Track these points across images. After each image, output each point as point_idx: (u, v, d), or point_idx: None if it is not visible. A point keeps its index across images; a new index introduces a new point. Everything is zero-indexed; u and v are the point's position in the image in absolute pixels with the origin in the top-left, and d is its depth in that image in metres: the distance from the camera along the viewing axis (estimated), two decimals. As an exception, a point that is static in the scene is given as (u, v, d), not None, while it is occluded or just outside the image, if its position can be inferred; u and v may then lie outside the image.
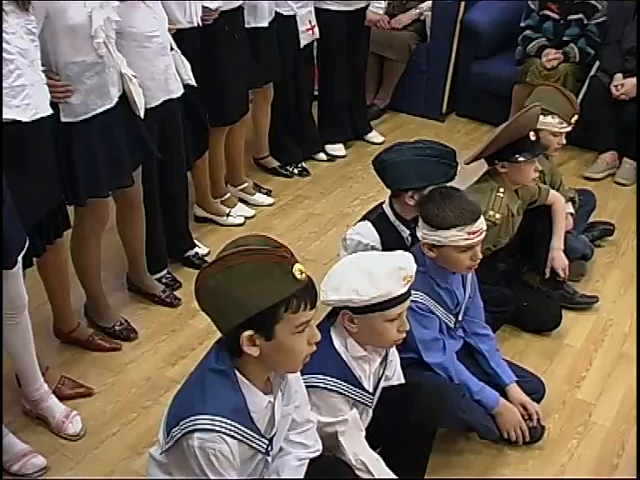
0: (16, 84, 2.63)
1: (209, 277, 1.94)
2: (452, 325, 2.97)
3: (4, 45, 2.56)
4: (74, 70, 2.95)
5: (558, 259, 3.65)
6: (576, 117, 3.84)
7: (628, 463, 2.93)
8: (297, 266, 1.92)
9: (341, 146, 5.38)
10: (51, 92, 2.83)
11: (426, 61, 5.81)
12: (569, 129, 3.83)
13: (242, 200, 4.64)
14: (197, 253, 4.09)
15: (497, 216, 3.36)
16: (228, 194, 4.54)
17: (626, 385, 3.33)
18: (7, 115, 2.62)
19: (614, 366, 3.46)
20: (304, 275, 1.94)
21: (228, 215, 4.45)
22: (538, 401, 3.05)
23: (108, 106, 3.08)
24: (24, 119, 2.67)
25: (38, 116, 2.73)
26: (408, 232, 3.12)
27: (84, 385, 3.21)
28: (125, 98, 3.17)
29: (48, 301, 3.32)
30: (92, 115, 3.04)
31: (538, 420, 2.98)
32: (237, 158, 4.61)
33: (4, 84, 2.60)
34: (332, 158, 5.32)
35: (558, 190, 3.86)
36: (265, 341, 1.94)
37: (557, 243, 3.67)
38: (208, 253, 4.10)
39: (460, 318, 3.00)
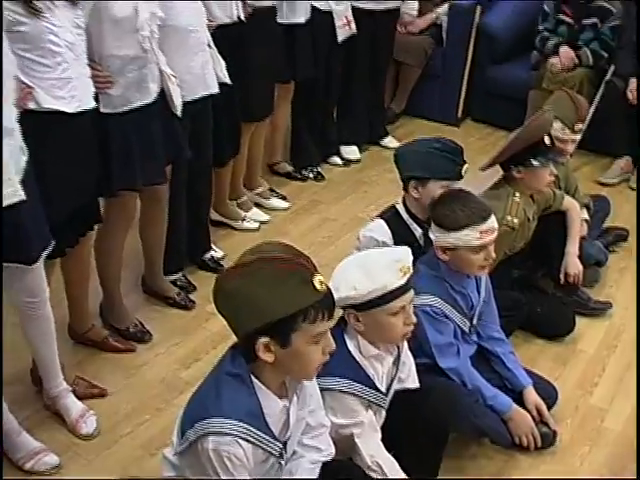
0: (63, 76, 2.69)
1: (229, 281, 1.95)
2: (467, 329, 2.97)
3: (53, 38, 2.63)
4: (116, 63, 3.00)
5: (572, 265, 3.64)
6: (581, 126, 3.84)
7: (640, 469, 2.93)
8: (318, 277, 1.94)
9: (355, 149, 5.39)
10: (93, 82, 2.89)
11: (442, 66, 5.83)
12: (575, 137, 3.83)
13: (257, 204, 4.66)
14: (212, 256, 4.10)
15: (515, 221, 3.37)
16: (244, 197, 4.55)
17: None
18: (52, 105, 2.69)
19: (627, 372, 3.46)
20: (324, 286, 1.95)
21: (243, 219, 4.46)
22: (551, 406, 3.05)
23: (146, 101, 3.12)
24: (68, 110, 2.74)
25: (81, 108, 2.79)
26: (421, 231, 3.12)
27: (98, 386, 3.22)
28: (163, 95, 3.21)
29: (63, 301, 3.32)
30: (130, 108, 3.08)
31: (549, 426, 2.99)
32: (255, 161, 4.62)
33: (51, 75, 2.66)
34: (347, 163, 5.33)
35: (573, 196, 3.86)
36: (281, 348, 1.95)
37: (572, 249, 3.66)
38: (223, 257, 4.12)
39: (475, 322, 3.00)
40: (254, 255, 1.96)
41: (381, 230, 3.14)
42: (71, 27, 2.71)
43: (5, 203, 2.40)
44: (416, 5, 5.28)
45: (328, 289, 1.98)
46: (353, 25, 4.85)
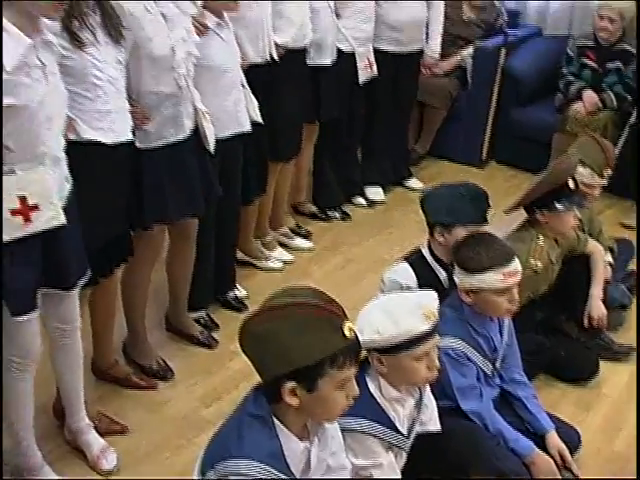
0: (103, 109, 2.78)
1: (258, 323, 1.95)
2: (489, 372, 2.96)
3: (96, 72, 2.72)
4: (153, 99, 3.07)
5: (596, 308, 3.63)
6: (610, 171, 3.84)
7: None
8: (347, 324, 1.94)
9: (380, 190, 5.41)
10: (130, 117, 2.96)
11: (466, 108, 5.85)
12: (603, 182, 3.83)
13: (282, 244, 4.68)
14: (236, 295, 4.12)
15: (539, 265, 3.37)
16: (269, 236, 4.57)
17: (664, 437, 3.29)
18: (91, 136, 2.77)
19: (651, 417, 3.42)
20: (353, 333, 1.95)
21: (267, 259, 4.48)
22: (573, 451, 3.02)
23: (181, 137, 3.18)
24: (107, 141, 2.81)
25: (119, 140, 2.86)
26: (445, 274, 3.12)
27: (119, 422, 3.23)
28: (197, 132, 3.27)
29: (87, 336, 3.33)
30: (165, 144, 3.14)
31: (572, 471, 2.96)
32: (280, 201, 4.65)
33: (92, 107, 2.75)
34: (371, 203, 5.34)
35: (597, 239, 3.85)
36: (306, 393, 1.95)
37: (596, 292, 3.65)
38: (247, 296, 4.13)
39: (497, 365, 2.99)
40: (284, 299, 1.96)
41: (405, 274, 3.14)
42: (113, 62, 2.81)
43: (47, 226, 2.47)
44: (438, 47, 5.28)
45: (356, 335, 1.98)
46: (374, 67, 4.89)
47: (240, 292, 4.16)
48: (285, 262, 4.54)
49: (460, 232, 3.02)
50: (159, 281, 3.74)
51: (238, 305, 4.07)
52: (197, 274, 3.76)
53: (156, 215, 3.22)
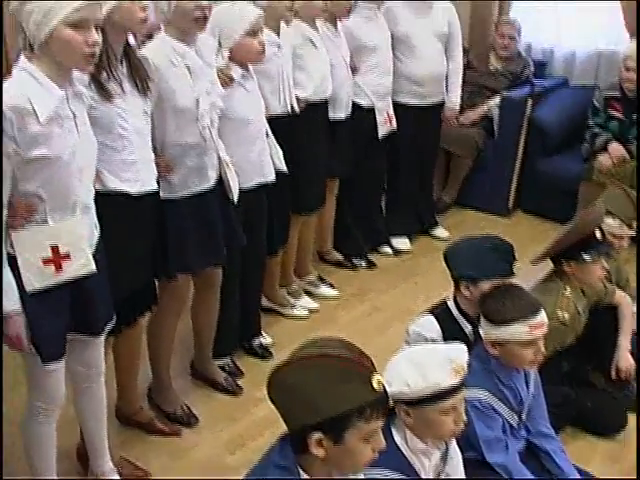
0: (129, 159, 2.82)
1: (286, 373, 1.95)
2: (515, 424, 2.94)
3: (122, 122, 2.76)
4: (177, 150, 3.11)
5: (624, 359, 3.60)
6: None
7: None
8: (377, 377, 1.94)
9: (406, 240, 5.41)
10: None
11: (493, 157, 5.86)
12: (631, 233, 3.81)
13: (307, 292, 4.69)
14: (261, 343, 4.12)
15: (566, 316, 3.35)
16: (295, 284, 4.59)
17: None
18: (117, 186, 2.81)
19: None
20: (381, 386, 1.95)
21: (293, 307, 4.49)
22: (601, 505, 2.99)
23: (205, 187, 3.21)
24: (132, 191, 2.84)
25: (144, 190, 2.90)
26: (471, 327, 3.11)
27: (142, 468, 3.23)
28: (221, 182, 3.29)
29: (111, 381, 3.35)
30: (189, 194, 3.17)
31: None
32: (306, 249, 4.67)
33: (117, 158, 2.79)
34: (397, 252, 5.35)
35: (624, 289, 3.82)
36: (333, 445, 1.93)
37: (623, 343, 3.62)
38: (272, 343, 4.14)
39: (523, 417, 2.97)
40: (314, 350, 1.96)
41: (430, 327, 3.13)
42: (139, 113, 2.85)
43: (78, 274, 2.52)
44: (458, 99, 5.29)
45: (384, 389, 1.98)
46: (394, 121, 4.92)
47: (265, 339, 4.16)
48: (311, 310, 4.54)
49: (486, 285, 3.01)
50: (184, 328, 3.75)
51: (263, 352, 4.08)
52: (222, 322, 3.77)
53: (179, 265, 3.24)
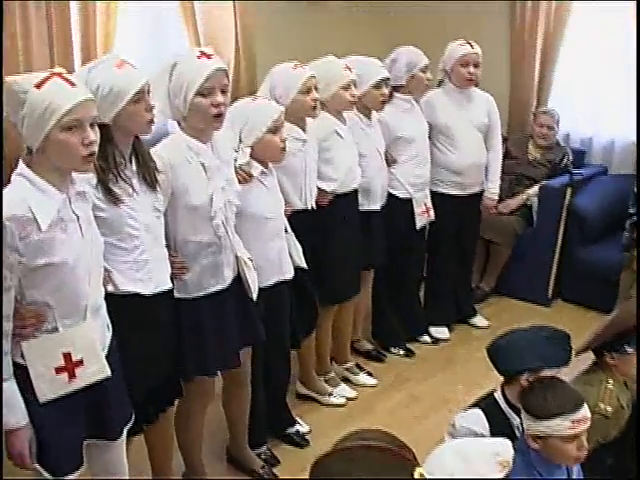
0: (140, 259, 2.78)
1: (329, 464, 1.93)
2: (556, 520, 2.87)
3: (131, 222, 2.73)
4: (191, 248, 3.08)
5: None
6: None
7: None
8: (418, 469, 1.92)
9: (445, 329, 5.37)
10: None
11: (532, 246, 5.84)
12: None
13: (345, 379, 4.65)
14: (298, 431, 4.09)
15: (609, 409, 3.28)
16: (332, 372, 4.56)
17: None
18: (129, 288, 2.76)
19: None
20: (423, 478, 1.93)
21: (330, 394, 4.45)
22: None
23: (221, 286, 3.18)
24: (145, 292, 2.80)
25: (158, 289, 2.86)
26: (518, 420, 3.05)
27: None
28: (239, 280, 3.26)
29: (145, 470, 3.34)
30: (204, 294, 3.14)
31: None
32: (345, 336, 4.66)
33: (128, 258, 2.75)
34: (436, 341, 5.30)
35: (669, 382, 3.75)
36: None
37: (669, 438, 3.54)
38: (309, 432, 4.10)
39: (565, 512, 2.90)
40: (355, 442, 1.95)
41: (478, 421, 3.07)
42: (149, 210, 2.82)
43: (91, 380, 2.46)
44: (497, 189, 5.30)
45: None
46: (432, 212, 4.93)
47: (302, 427, 4.13)
48: (348, 398, 4.50)
49: (548, 374, 2.96)
50: (222, 412, 3.74)
51: (300, 440, 4.04)
52: (250, 414, 3.76)
53: (198, 368, 3.21)
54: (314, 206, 3.91)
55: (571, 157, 6.00)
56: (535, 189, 5.85)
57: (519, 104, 6.32)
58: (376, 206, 4.51)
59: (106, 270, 2.68)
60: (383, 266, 4.75)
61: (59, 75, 2.35)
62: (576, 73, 6.24)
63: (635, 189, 5.42)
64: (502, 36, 6.41)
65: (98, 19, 4.64)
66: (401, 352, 5.09)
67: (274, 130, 3.40)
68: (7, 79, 2.33)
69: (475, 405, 3.17)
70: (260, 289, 3.40)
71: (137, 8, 4.98)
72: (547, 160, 5.97)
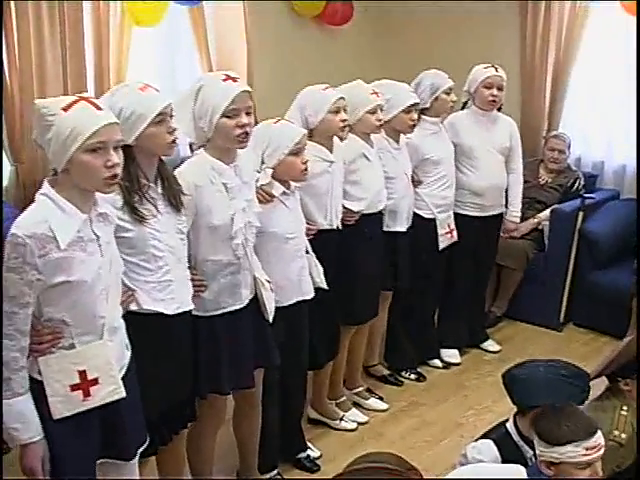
0: (163, 279, 2.81)
1: None
2: None
3: (156, 243, 2.77)
4: (210, 267, 3.11)
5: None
6: None
7: None
8: None
9: (456, 352, 5.34)
10: None
11: (544, 270, 5.82)
12: None
13: (356, 404, 4.63)
14: (309, 456, 4.06)
15: (623, 436, 3.26)
16: (343, 397, 4.54)
17: None
18: (152, 307, 2.79)
19: None
20: None
21: (341, 419, 4.43)
22: None
23: (238, 306, 3.20)
24: (167, 312, 2.83)
25: (180, 310, 2.88)
26: (531, 453, 3.02)
27: None
28: (256, 301, 3.28)
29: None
30: (221, 313, 3.16)
31: None
32: (356, 361, 4.64)
33: (152, 278, 2.79)
34: (447, 365, 5.28)
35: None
36: None
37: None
38: (320, 456, 4.08)
39: (579, 540, 2.87)
40: (365, 465, 1.95)
41: (490, 453, 3.06)
42: (174, 232, 2.85)
43: (106, 400, 2.48)
44: (519, 212, 5.31)
45: None
46: (455, 233, 4.94)
47: (313, 452, 4.11)
48: (359, 423, 4.47)
49: None
50: (231, 436, 3.73)
51: (311, 465, 4.03)
52: (262, 436, 3.74)
53: (212, 385, 3.21)
54: (339, 226, 3.93)
55: (583, 181, 5.99)
56: (546, 213, 5.84)
57: (530, 128, 6.32)
58: (402, 227, 4.53)
59: (130, 289, 2.73)
60: (406, 287, 4.73)
61: (86, 99, 2.40)
62: (587, 97, 6.27)
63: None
64: (513, 61, 6.43)
65: (111, 49, 4.70)
66: (412, 377, 5.07)
67: (296, 152, 3.44)
68: (37, 102, 2.41)
69: (486, 435, 3.15)
70: (280, 308, 3.42)
71: (149, 37, 5.04)
72: (558, 184, 5.97)
